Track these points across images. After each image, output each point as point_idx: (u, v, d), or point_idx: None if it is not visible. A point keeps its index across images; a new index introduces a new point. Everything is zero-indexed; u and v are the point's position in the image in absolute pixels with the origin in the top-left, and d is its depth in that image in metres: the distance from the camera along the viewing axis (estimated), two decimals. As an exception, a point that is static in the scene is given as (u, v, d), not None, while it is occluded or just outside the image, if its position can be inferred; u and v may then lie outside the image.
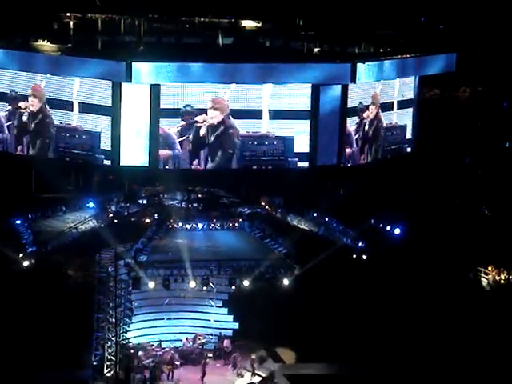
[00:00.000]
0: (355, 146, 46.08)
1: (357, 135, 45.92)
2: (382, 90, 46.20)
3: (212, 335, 45.32)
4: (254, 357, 44.16)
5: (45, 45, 44.29)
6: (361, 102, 45.37)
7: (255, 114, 43.81)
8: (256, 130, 44.18)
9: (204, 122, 43.15)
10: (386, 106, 47.08)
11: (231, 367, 43.72)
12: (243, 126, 44.00)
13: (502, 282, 51.53)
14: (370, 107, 45.69)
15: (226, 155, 44.01)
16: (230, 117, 43.53)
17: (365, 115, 45.70)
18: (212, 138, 43.73)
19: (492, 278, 51.38)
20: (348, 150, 45.65)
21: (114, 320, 42.72)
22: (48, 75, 43.61)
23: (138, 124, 43.36)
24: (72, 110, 44.07)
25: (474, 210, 54.36)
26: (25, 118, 44.85)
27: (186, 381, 42.95)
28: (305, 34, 46.13)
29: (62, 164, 45.24)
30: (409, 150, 48.31)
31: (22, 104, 44.63)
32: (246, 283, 43.54)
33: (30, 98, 44.31)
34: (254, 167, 44.56)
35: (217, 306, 45.80)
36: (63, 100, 43.98)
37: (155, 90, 42.77)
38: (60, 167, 45.79)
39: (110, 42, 44.84)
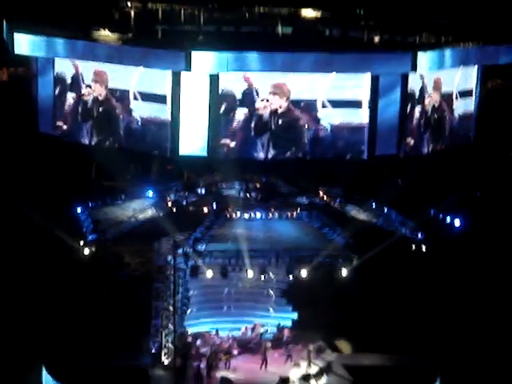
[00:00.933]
0: (416, 135, 45.43)
1: (418, 124, 45.25)
2: (444, 80, 45.53)
3: (271, 325, 45.42)
4: (310, 348, 44.16)
5: (105, 34, 44.45)
6: (422, 89, 44.65)
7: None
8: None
9: (265, 107, 42.78)
10: (448, 95, 46.40)
11: (287, 358, 43.79)
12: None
13: None
14: (433, 94, 45.01)
15: (290, 145, 43.59)
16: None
17: (426, 102, 44.97)
18: (274, 126, 43.35)
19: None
20: (409, 140, 45.03)
21: (172, 308, 43.02)
22: (108, 64, 43.73)
23: (198, 113, 43.25)
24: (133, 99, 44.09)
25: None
26: (89, 105, 44.88)
27: (243, 370, 43.18)
28: (365, 23, 45.68)
29: (123, 153, 45.26)
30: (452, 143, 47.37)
31: (85, 91, 44.74)
32: (303, 273, 43.48)
33: (92, 84, 44.43)
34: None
35: (276, 296, 45.91)
36: (123, 89, 44.03)
37: (215, 79, 42.69)
38: (120, 156, 45.94)
39: (170, 31, 44.82)
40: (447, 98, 46.11)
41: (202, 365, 42.84)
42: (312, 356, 43.74)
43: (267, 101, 42.49)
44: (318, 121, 43.17)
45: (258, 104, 42.66)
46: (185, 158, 43.93)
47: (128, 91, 43.97)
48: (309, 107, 43.15)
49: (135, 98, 43.89)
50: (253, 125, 43.09)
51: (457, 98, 46.88)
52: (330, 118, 43.34)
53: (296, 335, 45.26)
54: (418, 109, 44.99)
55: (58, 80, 45.63)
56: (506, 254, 49.58)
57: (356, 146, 43.83)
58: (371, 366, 43.41)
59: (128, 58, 43.28)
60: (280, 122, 42.93)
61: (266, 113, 42.80)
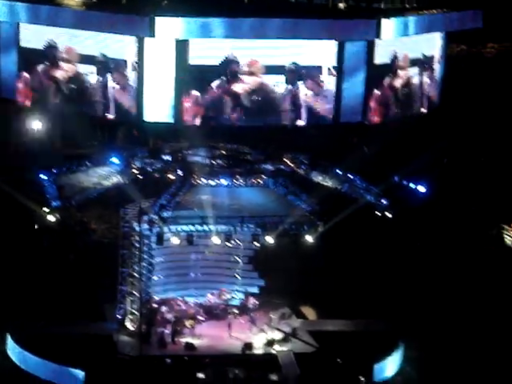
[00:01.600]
0: (383, 103, 45.51)
1: (385, 92, 45.35)
2: (408, 47, 45.60)
3: (237, 292, 45.66)
4: (272, 315, 44.50)
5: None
6: (392, 60, 44.75)
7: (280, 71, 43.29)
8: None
9: (243, 90, 42.82)
10: (414, 63, 46.50)
11: (251, 324, 44.11)
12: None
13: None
14: (401, 64, 45.16)
15: (260, 114, 43.54)
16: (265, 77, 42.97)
17: (395, 73, 45.09)
18: (249, 103, 43.30)
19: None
20: (373, 107, 45.11)
21: (137, 275, 43.13)
22: (72, 30, 43.35)
23: (163, 80, 43.03)
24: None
25: (499, 169, 53.97)
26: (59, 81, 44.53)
27: (208, 336, 43.44)
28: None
29: (87, 119, 45.00)
30: (423, 109, 47.49)
31: (58, 74, 44.34)
32: (269, 239, 43.70)
33: (63, 64, 44.10)
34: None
35: (243, 263, 46.11)
36: (89, 55, 43.70)
37: (181, 46, 42.46)
38: (85, 122, 45.69)
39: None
40: (413, 65, 46.26)
41: (167, 331, 43.12)
42: (275, 322, 44.10)
43: (242, 81, 42.52)
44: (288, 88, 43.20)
45: (233, 86, 42.64)
46: (150, 124, 43.78)
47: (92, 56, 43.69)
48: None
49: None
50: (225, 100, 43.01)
51: (423, 64, 47.04)
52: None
53: (262, 302, 45.57)
54: (386, 78, 45.13)
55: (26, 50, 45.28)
56: (467, 220, 50.05)
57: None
58: (335, 331, 43.86)
59: (92, 24, 42.96)
60: (254, 96, 42.90)
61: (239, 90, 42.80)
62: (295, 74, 43.21)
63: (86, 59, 43.89)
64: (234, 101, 43.07)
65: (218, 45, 42.55)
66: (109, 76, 43.45)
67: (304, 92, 43.48)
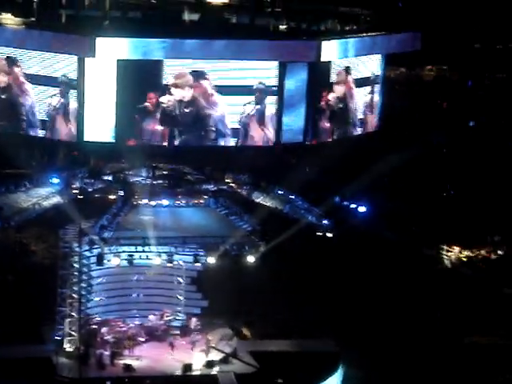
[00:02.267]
0: (323, 123, 45.88)
1: (324, 113, 45.74)
2: (353, 67, 46.14)
3: (179, 312, 45.44)
4: (212, 336, 44.40)
5: (8, 18, 43.63)
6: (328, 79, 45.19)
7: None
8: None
9: (169, 101, 42.77)
10: (353, 84, 46.99)
11: (192, 345, 43.92)
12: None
13: (464, 259, 52.09)
14: (338, 85, 45.58)
15: (195, 133, 43.56)
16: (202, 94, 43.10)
17: (333, 91, 45.48)
18: (181, 117, 43.29)
19: (454, 255, 51.91)
20: (315, 127, 45.47)
21: (76, 296, 42.72)
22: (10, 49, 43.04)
23: (104, 100, 42.86)
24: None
25: (439, 189, 54.73)
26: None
27: (149, 357, 43.16)
28: (271, 10, 45.83)
29: (26, 139, 44.56)
30: (359, 130, 48.06)
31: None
32: (211, 260, 43.62)
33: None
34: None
35: (186, 284, 45.93)
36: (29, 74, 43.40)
37: (122, 65, 42.35)
38: (24, 142, 45.23)
39: (74, 16, 44.21)
40: (352, 87, 46.71)
41: (106, 352, 42.69)
42: (215, 343, 43.97)
43: (170, 94, 42.49)
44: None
45: (162, 98, 42.60)
46: (91, 144, 43.52)
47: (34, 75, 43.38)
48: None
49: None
50: (158, 116, 42.94)
51: (362, 86, 47.53)
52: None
53: (203, 323, 45.41)
54: (326, 97, 45.50)
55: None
56: (407, 240, 50.63)
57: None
58: (276, 351, 43.87)
59: (32, 43, 42.66)
60: (186, 111, 42.89)
61: (170, 105, 42.73)
62: (262, 93, 43.47)
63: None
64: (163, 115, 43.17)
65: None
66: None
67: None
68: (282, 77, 43.98)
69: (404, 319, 46.68)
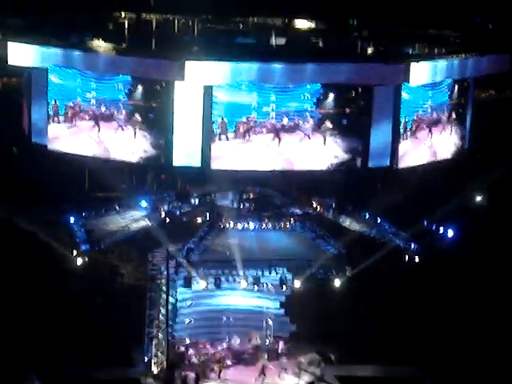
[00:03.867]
0: (410, 147, 45.54)
1: (413, 137, 45.45)
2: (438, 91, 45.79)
3: (268, 336, 45.31)
4: (302, 359, 44.08)
5: (100, 44, 44.53)
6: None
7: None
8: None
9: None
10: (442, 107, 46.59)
11: (281, 370, 43.64)
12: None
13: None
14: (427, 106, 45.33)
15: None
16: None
17: (421, 115, 45.22)
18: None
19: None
20: (403, 151, 45.12)
21: (164, 318, 43.02)
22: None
23: (192, 124, 43.31)
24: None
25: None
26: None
27: (235, 381, 43.08)
28: (358, 34, 45.79)
29: (115, 163, 45.31)
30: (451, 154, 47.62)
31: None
32: (297, 284, 43.49)
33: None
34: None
35: (275, 308, 45.83)
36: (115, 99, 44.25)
37: (209, 90, 42.73)
38: (114, 166, 45.99)
39: (164, 41, 44.86)
40: (441, 110, 46.32)
41: (192, 374, 42.75)
42: (303, 367, 43.66)
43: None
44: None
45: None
46: (179, 168, 43.99)
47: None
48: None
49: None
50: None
51: (452, 109, 47.07)
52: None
53: (291, 347, 45.19)
54: (414, 121, 45.24)
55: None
56: (495, 265, 49.62)
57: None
58: (362, 376, 43.40)
59: (123, 69, 43.40)
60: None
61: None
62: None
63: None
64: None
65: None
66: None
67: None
68: (368, 100, 43.92)
69: (492, 345, 45.69)
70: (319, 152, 43.89)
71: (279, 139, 43.54)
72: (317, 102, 43.41)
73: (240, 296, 45.38)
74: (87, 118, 44.89)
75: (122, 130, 44.17)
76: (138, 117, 43.81)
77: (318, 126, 43.61)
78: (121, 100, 43.96)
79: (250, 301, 45.66)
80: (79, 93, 44.88)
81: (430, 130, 46.37)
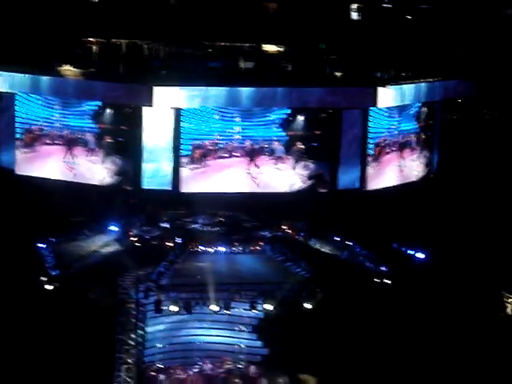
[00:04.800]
0: (379, 169, 45.99)
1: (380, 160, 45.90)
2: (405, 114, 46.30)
3: (240, 361, 45.25)
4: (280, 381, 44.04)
5: (68, 69, 44.65)
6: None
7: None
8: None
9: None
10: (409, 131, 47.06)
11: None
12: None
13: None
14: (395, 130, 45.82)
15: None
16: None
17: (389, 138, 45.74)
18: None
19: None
20: (371, 174, 45.54)
21: (134, 342, 42.87)
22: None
23: (161, 147, 43.47)
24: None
25: (500, 234, 53.90)
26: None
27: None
28: (327, 58, 46.16)
29: (84, 186, 45.42)
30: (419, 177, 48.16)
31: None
32: (267, 307, 43.46)
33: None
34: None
35: (247, 331, 45.79)
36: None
37: (178, 113, 42.97)
38: (82, 190, 46.03)
39: (132, 66, 45.05)
40: (409, 133, 46.81)
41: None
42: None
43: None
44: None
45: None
46: (148, 191, 44.08)
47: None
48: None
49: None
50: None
51: (419, 132, 47.55)
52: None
53: (264, 371, 45.12)
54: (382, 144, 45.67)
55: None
56: (467, 287, 49.78)
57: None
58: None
59: (92, 94, 43.53)
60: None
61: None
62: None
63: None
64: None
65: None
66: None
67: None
68: (337, 124, 44.33)
69: (464, 371, 45.79)
70: (288, 175, 44.28)
71: (250, 162, 43.88)
72: (285, 124, 43.87)
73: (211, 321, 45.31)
74: (52, 141, 45.03)
75: (90, 153, 44.41)
76: (106, 140, 44.04)
77: (287, 149, 44.03)
78: (88, 124, 44.19)
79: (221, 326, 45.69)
80: (44, 117, 45.01)
81: (399, 153, 46.93)
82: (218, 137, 43.65)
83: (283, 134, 43.95)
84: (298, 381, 45.13)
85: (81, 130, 44.53)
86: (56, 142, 45.41)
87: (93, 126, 44.30)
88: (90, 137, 44.43)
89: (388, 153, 46.23)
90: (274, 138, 43.89)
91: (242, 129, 43.80)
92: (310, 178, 44.70)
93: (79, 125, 44.52)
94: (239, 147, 43.94)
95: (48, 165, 45.72)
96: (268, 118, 43.82)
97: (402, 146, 46.97)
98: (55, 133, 45.11)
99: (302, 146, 44.26)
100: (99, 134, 44.30)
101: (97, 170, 44.71)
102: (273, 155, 44.04)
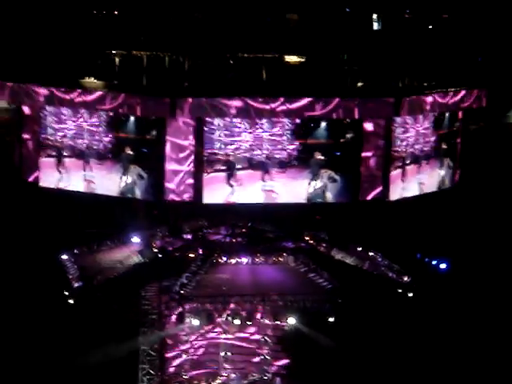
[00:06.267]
0: (401, 180, 45.90)
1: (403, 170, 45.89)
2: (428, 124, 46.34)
3: (265, 372, 45.21)
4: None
5: (90, 81, 44.79)
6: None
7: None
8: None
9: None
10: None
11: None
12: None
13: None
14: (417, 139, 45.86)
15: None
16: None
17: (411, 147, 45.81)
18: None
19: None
20: (394, 183, 45.46)
21: (156, 353, 42.92)
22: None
23: (183, 159, 43.58)
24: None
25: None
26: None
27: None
28: (348, 68, 46.07)
29: (107, 198, 45.54)
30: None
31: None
32: (291, 318, 43.38)
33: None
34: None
35: (272, 343, 45.74)
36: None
37: (200, 124, 43.09)
38: (104, 201, 46.15)
39: (154, 78, 45.13)
40: (430, 143, 46.74)
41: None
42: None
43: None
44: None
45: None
46: (170, 202, 44.14)
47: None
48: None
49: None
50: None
51: (441, 142, 47.41)
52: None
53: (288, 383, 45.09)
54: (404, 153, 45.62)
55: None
56: (491, 298, 49.55)
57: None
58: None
59: (114, 105, 43.64)
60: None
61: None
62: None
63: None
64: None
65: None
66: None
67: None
68: (359, 133, 44.32)
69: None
70: (311, 185, 44.26)
71: (269, 172, 43.94)
72: (306, 134, 43.89)
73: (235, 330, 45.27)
74: (73, 154, 45.38)
75: (111, 165, 44.58)
76: (128, 151, 44.18)
77: (307, 159, 44.00)
78: (110, 134, 44.32)
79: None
80: (64, 129, 45.60)
81: (422, 163, 46.81)
82: (239, 147, 43.64)
83: (304, 143, 43.91)
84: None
85: (101, 141, 44.63)
86: (76, 154, 45.51)
87: (115, 135, 44.39)
88: (110, 148, 44.52)
89: (410, 163, 46.01)
90: (295, 148, 43.85)
91: (263, 139, 43.78)
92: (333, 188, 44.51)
93: (98, 136, 44.69)
94: (259, 158, 43.94)
95: (70, 177, 45.82)
96: (287, 128, 43.81)
97: (424, 156, 46.77)
98: (75, 145, 45.31)
99: (322, 157, 44.11)
100: (120, 145, 44.38)
101: (118, 182, 44.68)
102: (291, 165, 43.95)
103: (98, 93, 43.68)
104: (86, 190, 45.44)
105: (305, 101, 42.98)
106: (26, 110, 46.53)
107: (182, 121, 42.93)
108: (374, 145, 44.52)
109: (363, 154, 44.38)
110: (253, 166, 43.87)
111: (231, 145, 43.47)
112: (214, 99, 42.43)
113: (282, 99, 42.78)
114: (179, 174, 43.51)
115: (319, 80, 45.36)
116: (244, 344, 45.74)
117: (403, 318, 48.52)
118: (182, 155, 43.38)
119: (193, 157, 43.37)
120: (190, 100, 42.31)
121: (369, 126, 44.28)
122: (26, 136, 46.82)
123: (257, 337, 45.68)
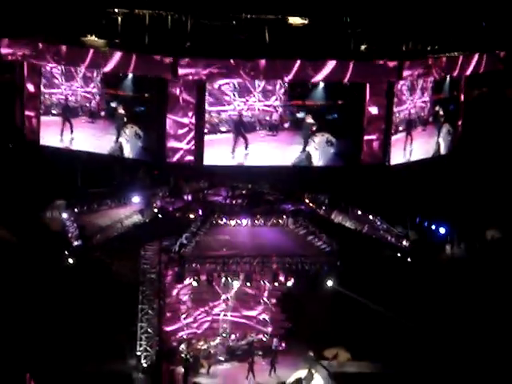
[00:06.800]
0: (402, 144, 45.88)
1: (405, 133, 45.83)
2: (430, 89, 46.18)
3: (263, 333, 45.38)
4: (310, 353, 44.05)
5: (92, 40, 44.67)
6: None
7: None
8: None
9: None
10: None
11: (271, 367, 43.61)
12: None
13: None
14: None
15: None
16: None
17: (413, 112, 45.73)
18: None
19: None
20: (393, 148, 45.39)
21: (154, 312, 43.12)
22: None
23: (184, 120, 43.47)
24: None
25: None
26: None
27: (228, 377, 43.13)
28: (352, 31, 45.84)
29: (108, 158, 45.55)
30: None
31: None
32: (289, 280, 43.56)
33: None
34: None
35: (270, 304, 45.94)
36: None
37: (202, 86, 42.91)
38: (105, 161, 46.18)
39: (156, 37, 44.93)
40: (432, 108, 46.64)
41: (181, 369, 42.75)
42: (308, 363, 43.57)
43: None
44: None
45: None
46: (171, 164, 44.12)
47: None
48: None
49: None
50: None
51: (443, 107, 47.32)
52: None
53: (285, 344, 45.33)
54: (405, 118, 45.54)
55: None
56: (488, 265, 49.68)
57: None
58: (358, 372, 43.52)
59: (115, 64, 43.48)
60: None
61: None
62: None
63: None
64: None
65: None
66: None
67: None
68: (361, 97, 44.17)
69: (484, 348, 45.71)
70: (311, 148, 44.26)
71: (272, 135, 43.86)
72: (308, 97, 43.77)
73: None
74: (73, 112, 45.50)
75: (113, 125, 44.55)
76: (129, 111, 44.15)
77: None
78: (109, 94, 44.31)
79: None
80: (65, 87, 45.67)
81: (422, 127, 46.76)
82: (240, 109, 43.55)
83: (306, 105, 43.83)
84: (319, 354, 45.20)
85: (102, 99, 44.59)
86: (77, 112, 45.48)
87: (115, 95, 44.35)
88: (111, 108, 44.50)
89: (411, 127, 45.97)
90: (296, 110, 43.77)
91: (264, 101, 43.69)
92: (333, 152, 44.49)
93: (99, 94, 44.65)
94: (261, 120, 43.86)
95: (70, 135, 45.82)
96: (289, 91, 43.71)
97: (425, 121, 46.71)
98: (77, 103, 45.28)
99: (323, 120, 44.05)
100: (122, 104, 44.33)
101: (118, 142, 44.71)
102: (292, 128, 43.89)
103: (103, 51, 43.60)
104: (88, 148, 45.47)
105: (306, 63, 42.67)
106: (28, 69, 46.41)
107: (182, 81, 42.74)
108: (376, 108, 44.38)
109: (364, 118, 44.28)
110: (259, 127, 43.83)
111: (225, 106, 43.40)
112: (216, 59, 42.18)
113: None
114: (180, 135, 43.46)
115: (322, 42, 45.25)
116: (242, 305, 45.99)
117: (401, 281, 48.75)
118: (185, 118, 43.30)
119: (194, 118, 43.18)
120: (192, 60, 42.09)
121: (371, 89, 44.05)
122: (27, 93, 46.72)
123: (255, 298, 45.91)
